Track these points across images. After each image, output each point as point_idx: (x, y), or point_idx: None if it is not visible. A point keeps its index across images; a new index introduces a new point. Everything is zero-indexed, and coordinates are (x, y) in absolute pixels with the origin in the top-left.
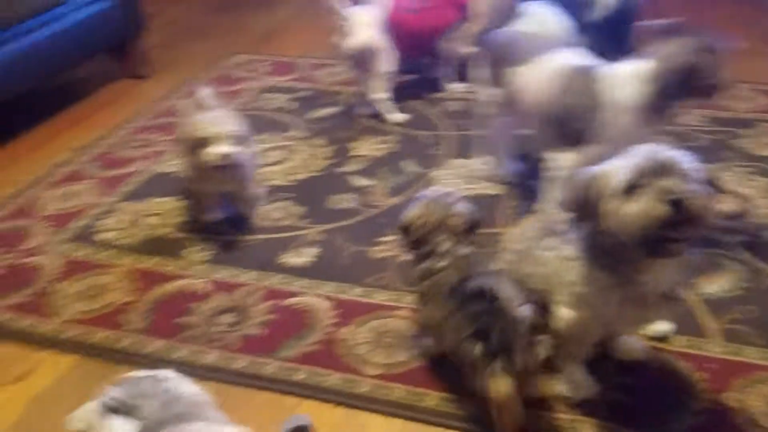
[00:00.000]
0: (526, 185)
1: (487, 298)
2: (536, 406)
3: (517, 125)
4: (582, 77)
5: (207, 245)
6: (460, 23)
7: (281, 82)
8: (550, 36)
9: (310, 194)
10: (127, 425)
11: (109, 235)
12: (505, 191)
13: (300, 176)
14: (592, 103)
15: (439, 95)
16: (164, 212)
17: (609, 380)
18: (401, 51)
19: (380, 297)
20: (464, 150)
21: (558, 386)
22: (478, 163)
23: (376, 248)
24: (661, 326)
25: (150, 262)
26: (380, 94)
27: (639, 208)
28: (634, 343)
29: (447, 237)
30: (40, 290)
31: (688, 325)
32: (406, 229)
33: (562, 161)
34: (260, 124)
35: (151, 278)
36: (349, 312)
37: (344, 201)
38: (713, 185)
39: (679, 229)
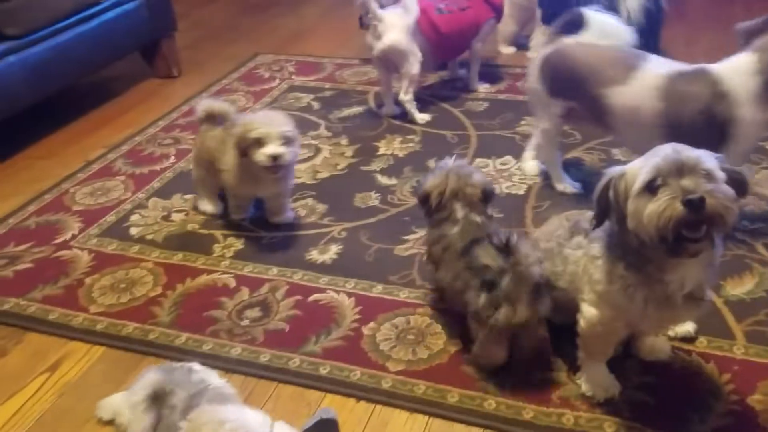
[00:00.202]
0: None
1: (506, 249)
2: (559, 405)
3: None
4: (700, 80)
5: (233, 241)
6: (492, 23)
7: (307, 81)
8: (618, 46)
9: (334, 192)
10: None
11: (139, 230)
12: (532, 190)
13: (325, 174)
14: (721, 104)
15: (464, 95)
16: (192, 208)
17: (632, 380)
18: (433, 52)
19: (403, 294)
20: (488, 150)
21: (581, 385)
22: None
23: (400, 246)
24: (685, 326)
25: (178, 257)
26: (407, 95)
27: (656, 208)
28: (657, 343)
29: (462, 205)
30: (72, 283)
31: (712, 326)
32: (425, 197)
33: None
34: None
35: (179, 273)
36: (372, 308)
37: (368, 199)
38: (741, 185)
39: (697, 230)
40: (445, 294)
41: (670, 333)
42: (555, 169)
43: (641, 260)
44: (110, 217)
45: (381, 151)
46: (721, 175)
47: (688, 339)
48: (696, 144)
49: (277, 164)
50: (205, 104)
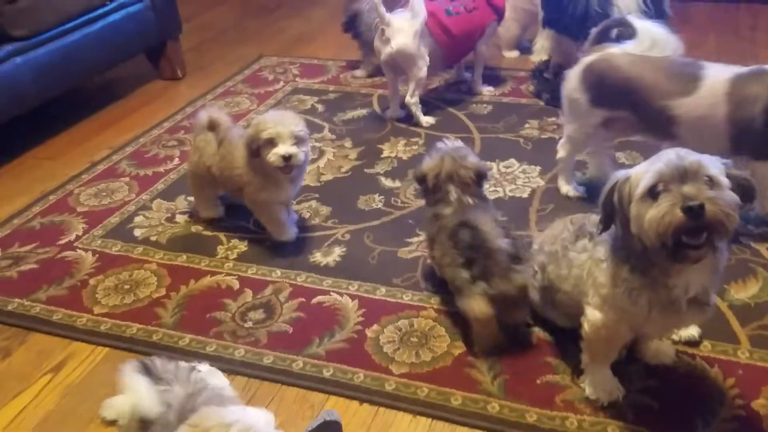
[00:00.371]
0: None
1: (471, 230)
2: (562, 408)
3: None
4: (763, 80)
5: (237, 243)
6: (494, 25)
7: (311, 84)
8: (668, 56)
9: (338, 194)
10: (151, 390)
11: (143, 232)
12: (536, 193)
13: (329, 177)
14: None
15: (468, 98)
16: (193, 214)
17: (636, 384)
18: (444, 54)
19: (407, 297)
20: (492, 153)
21: (584, 389)
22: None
23: (404, 248)
24: (689, 331)
25: (182, 259)
26: (413, 97)
27: (657, 214)
28: (662, 347)
29: (456, 187)
30: (76, 284)
31: (717, 330)
32: (422, 178)
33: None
34: None
35: (183, 274)
36: (376, 311)
37: (372, 201)
38: (747, 191)
39: (697, 236)
40: (437, 267)
41: (674, 337)
42: (565, 172)
43: (646, 264)
44: (114, 219)
45: (385, 153)
46: (725, 182)
47: (693, 343)
48: (764, 144)
49: (290, 164)
50: (208, 113)
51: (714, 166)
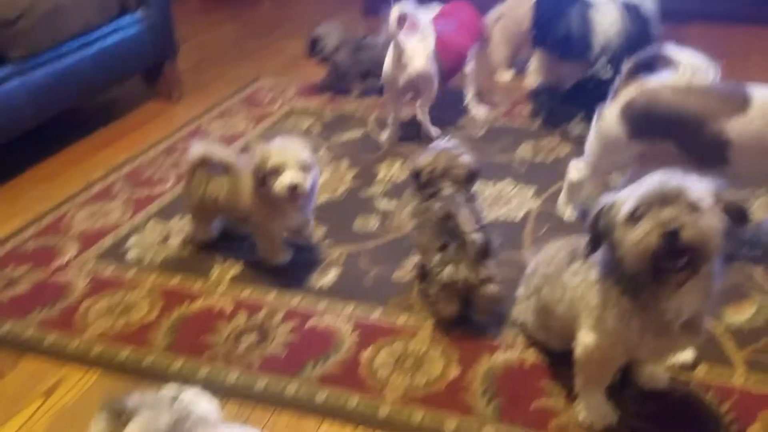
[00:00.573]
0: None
1: (453, 221)
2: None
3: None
4: None
5: (232, 264)
6: (476, 45)
7: (308, 105)
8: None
9: (334, 216)
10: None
11: (137, 254)
12: (530, 215)
13: (324, 198)
14: None
15: (463, 119)
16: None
17: (630, 408)
18: (446, 72)
19: (402, 319)
20: (486, 174)
21: (578, 413)
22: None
23: (399, 271)
24: (684, 355)
25: (175, 281)
26: (425, 114)
27: (634, 238)
28: (656, 371)
29: (450, 184)
30: (68, 307)
31: (712, 354)
32: (417, 174)
33: None
34: None
35: (176, 296)
36: (371, 334)
37: (368, 223)
38: (738, 215)
39: (674, 261)
40: (421, 253)
41: (670, 361)
42: (571, 195)
43: (636, 287)
44: (108, 240)
45: (381, 175)
46: (707, 206)
47: (688, 367)
48: None
49: (296, 193)
50: (202, 149)
51: (697, 190)
